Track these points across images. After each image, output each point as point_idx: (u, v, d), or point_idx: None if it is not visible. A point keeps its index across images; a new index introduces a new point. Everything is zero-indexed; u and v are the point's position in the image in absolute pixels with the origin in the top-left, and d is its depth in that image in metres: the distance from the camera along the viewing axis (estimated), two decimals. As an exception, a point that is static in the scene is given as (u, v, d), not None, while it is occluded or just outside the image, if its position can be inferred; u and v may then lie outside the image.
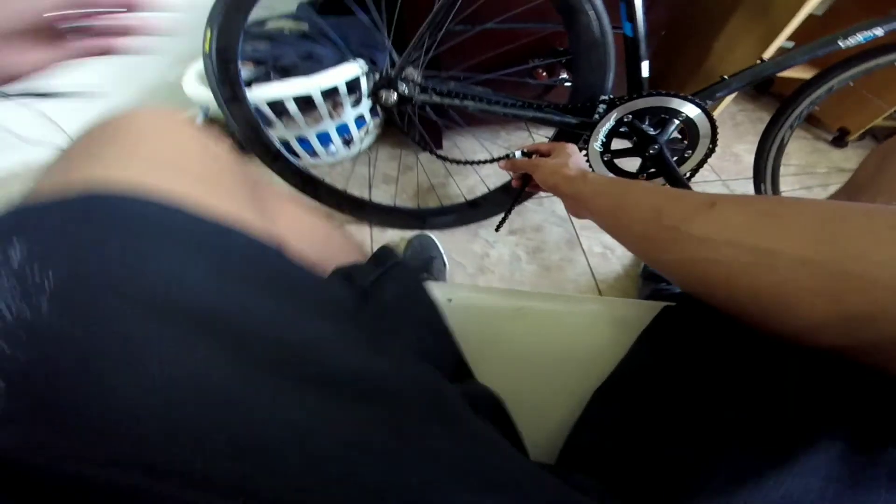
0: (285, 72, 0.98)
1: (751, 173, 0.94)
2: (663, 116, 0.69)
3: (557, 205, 1.18)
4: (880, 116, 1.33)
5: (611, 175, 0.79)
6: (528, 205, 1.19)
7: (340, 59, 0.99)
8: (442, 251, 1.02)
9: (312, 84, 0.96)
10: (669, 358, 0.32)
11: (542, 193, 1.01)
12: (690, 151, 0.72)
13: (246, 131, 0.88)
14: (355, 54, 0.99)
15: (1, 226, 0.17)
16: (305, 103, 1.01)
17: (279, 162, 0.97)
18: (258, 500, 0.15)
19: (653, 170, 0.75)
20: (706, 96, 0.67)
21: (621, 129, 0.72)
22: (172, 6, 0.34)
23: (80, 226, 0.17)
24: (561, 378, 0.38)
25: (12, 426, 0.14)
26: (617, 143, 0.75)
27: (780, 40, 1.08)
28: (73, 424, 0.14)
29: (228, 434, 0.15)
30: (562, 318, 0.41)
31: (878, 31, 0.60)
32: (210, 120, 1.28)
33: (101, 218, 0.18)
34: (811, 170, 1.39)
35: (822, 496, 0.18)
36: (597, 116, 0.73)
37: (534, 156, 0.67)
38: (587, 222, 0.52)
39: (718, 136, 0.68)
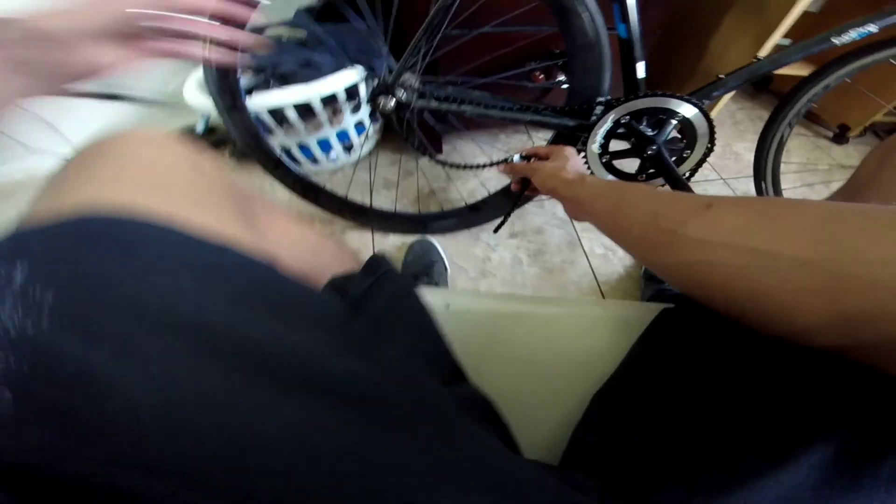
0: (284, 79, 0.99)
1: (751, 171, 0.94)
2: (661, 117, 0.69)
3: (558, 207, 1.18)
4: (879, 113, 1.33)
5: (610, 177, 0.79)
6: (529, 207, 1.19)
7: (339, 66, 1.00)
8: (443, 255, 1.03)
9: (311, 91, 0.96)
10: (668, 359, 0.32)
11: (542, 196, 1.01)
12: (689, 151, 0.72)
13: (247, 139, 0.89)
14: (353, 61, 1.00)
15: (4, 249, 0.18)
16: (305, 110, 1.02)
17: (280, 169, 0.97)
18: (256, 500, 0.15)
19: (652, 170, 0.75)
20: (703, 96, 0.68)
21: (619, 131, 0.73)
22: (247, 21, 0.34)
23: (78, 247, 0.18)
24: (561, 381, 0.38)
25: (16, 431, 0.14)
26: (615, 145, 0.75)
27: (776, 38, 1.08)
28: (73, 425, 0.15)
29: (228, 434, 0.15)
30: (561, 322, 0.41)
31: (872, 28, 0.60)
32: (211, 128, 1.29)
33: (97, 239, 0.19)
34: (813, 167, 1.38)
35: (821, 496, 0.18)
36: (594, 118, 0.73)
37: (532, 159, 0.67)
38: (588, 224, 0.52)
39: (717, 135, 0.68)
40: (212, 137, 1.28)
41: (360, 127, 1.19)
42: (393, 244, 1.10)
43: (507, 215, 0.77)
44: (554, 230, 1.15)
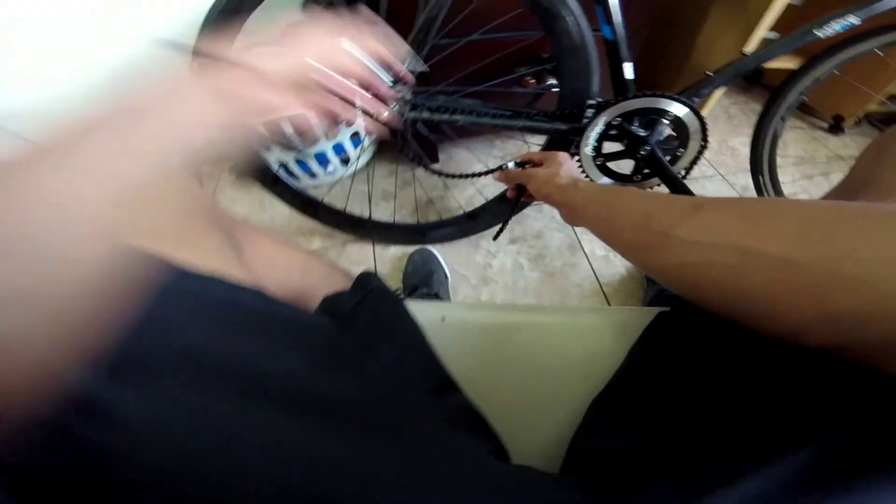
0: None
1: (748, 166, 0.94)
2: (652, 117, 0.69)
3: (556, 211, 1.18)
4: (868, 103, 1.33)
5: (606, 179, 0.79)
6: (528, 212, 1.19)
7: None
8: (443, 264, 1.03)
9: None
10: (666, 362, 0.32)
11: (539, 201, 1.02)
12: (682, 150, 0.72)
13: (244, 157, 0.90)
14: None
15: None
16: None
17: (279, 185, 0.98)
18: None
19: (647, 171, 0.75)
20: (692, 94, 0.68)
21: (611, 133, 0.73)
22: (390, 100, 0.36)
23: None
24: (559, 388, 0.38)
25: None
26: (609, 147, 0.76)
27: (761, 32, 1.09)
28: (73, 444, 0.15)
29: (215, 452, 0.16)
30: (557, 330, 0.41)
31: (853, 19, 0.61)
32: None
33: None
34: (811, 159, 1.38)
35: (818, 494, 0.18)
36: (585, 121, 0.73)
37: (527, 166, 0.67)
38: (587, 227, 0.52)
39: (712, 131, 0.69)
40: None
41: (355, 139, 1.20)
42: (393, 255, 1.10)
43: (504, 222, 0.78)
44: (554, 234, 1.15)
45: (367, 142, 1.25)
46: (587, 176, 0.79)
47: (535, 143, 1.42)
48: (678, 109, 0.67)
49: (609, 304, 1.00)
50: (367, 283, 0.42)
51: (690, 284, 0.30)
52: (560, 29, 0.67)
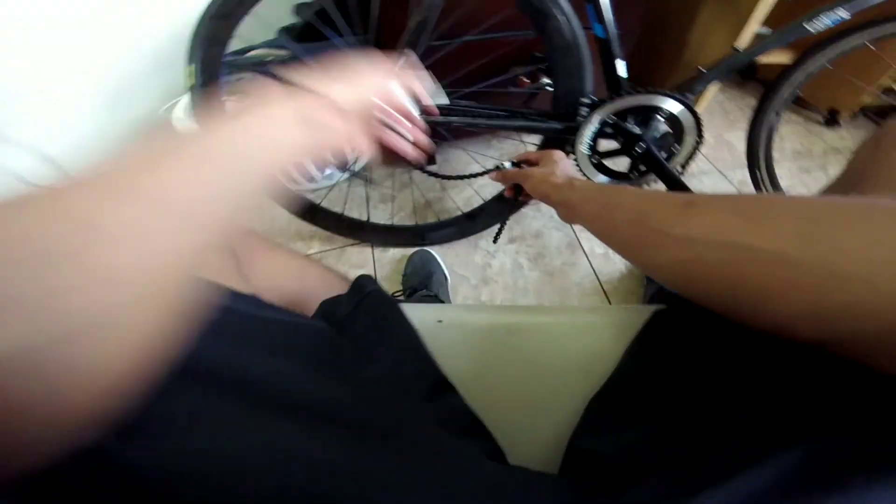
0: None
1: (745, 161, 0.94)
2: (646, 114, 0.69)
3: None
4: (862, 96, 1.33)
5: (602, 178, 0.79)
6: (526, 211, 1.19)
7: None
8: (442, 265, 1.03)
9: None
10: (663, 361, 0.32)
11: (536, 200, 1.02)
12: (678, 146, 0.73)
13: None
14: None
15: None
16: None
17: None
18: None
19: (644, 168, 0.75)
20: (685, 90, 0.68)
21: (606, 131, 0.73)
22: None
23: None
24: (558, 388, 0.38)
25: None
26: (605, 145, 0.76)
27: (753, 27, 1.09)
28: None
29: (213, 454, 0.16)
30: (554, 330, 0.42)
31: (842, 13, 0.61)
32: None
33: None
34: (808, 152, 1.38)
35: (812, 492, 0.18)
36: (580, 120, 0.74)
37: (523, 165, 0.68)
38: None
39: (708, 127, 0.69)
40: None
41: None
42: (393, 258, 1.10)
43: (502, 224, 0.78)
44: (553, 233, 1.15)
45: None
46: (584, 175, 0.79)
47: (532, 142, 1.43)
48: (672, 106, 0.67)
49: (609, 302, 1.00)
50: (363, 287, 0.42)
51: (684, 281, 0.30)
52: (552, 28, 0.67)
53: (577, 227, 1.15)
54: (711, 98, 1.46)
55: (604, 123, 0.72)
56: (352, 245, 1.13)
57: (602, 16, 0.64)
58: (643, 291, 1.00)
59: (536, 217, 1.19)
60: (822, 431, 0.20)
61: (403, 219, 1.20)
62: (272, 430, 0.18)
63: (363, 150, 0.34)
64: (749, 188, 1.05)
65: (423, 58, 0.72)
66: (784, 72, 0.77)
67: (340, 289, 0.44)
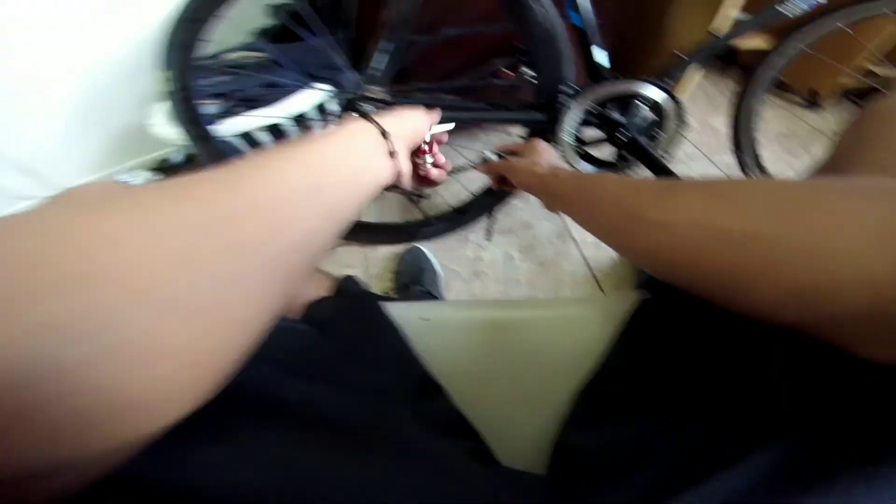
0: (252, 102, 0.99)
1: (731, 145, 0.95)
2: (627, 101, 0.70)
3: (542, 200, 1.18)
4: (839, 77, 1.35)
5: (588, 166, 0.79)
6: (515, 202, 1.19)
7: (304, 85, 1.00)
8: (433, 261, 1.03)
9: (277, 114, 0.96)
10: (648, 353, 0.32)
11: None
12: (661, 132, 0.73)
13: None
14: (317, 78, 1.00)
15: None
16: (278, 131, 1.02)
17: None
18: None
19: (629, 155, 0.76)
20: (665, 76, 0.69)
21: (589, 119, 0.73)
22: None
23: None
24: (546, 383, 0.38)
25: None
26: (590, 134, 0.76)
27: (731, 12, 1.09)
28: None
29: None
30: (542, 324, 0.42)
31: (815, -5, 0.61)
32: (190, 157, 1.29)
33: None
34: (792, 135, 1.40)
35: (796, 488, 0.18)
36: (562, 109, 0.74)
37: (508, 156, 0.68)
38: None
39: (693, 112, 0.69)
40: (194, 166, 1.28)
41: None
42: (384, 256, 1.10)
43: (490, 218, 0.78)
44: (542, 223, 1.15)
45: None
46: (570, 165, 0.79)
47: (518, 134, 1.42)
48: (653, 92, 0.67)
49: (602, 290, 1.01)
50: (349, 288, 0.42)
51: (666, 265, 0.30)
52: (529, 18, 0.67)
53: (567, 217, 1.15)
54: (695, 84, 1.46)
55: (586, 112, 0.72)
56: (341, 245, 1.13)
57: (577, 4, 0.63)
58: (634, 278, 1.01)
59: (525, 208, 1.19)
60: (805, 426, 0.20)
61: (393, 216, 1.20)
62: (251, 434, 0.18)
63: (407, 176, 0.38)
64: (736, 172, 1.05)
65: (403, 54, 0.72)
66: (763, 56, 0.78)
67: (327, 290, 0.44)
